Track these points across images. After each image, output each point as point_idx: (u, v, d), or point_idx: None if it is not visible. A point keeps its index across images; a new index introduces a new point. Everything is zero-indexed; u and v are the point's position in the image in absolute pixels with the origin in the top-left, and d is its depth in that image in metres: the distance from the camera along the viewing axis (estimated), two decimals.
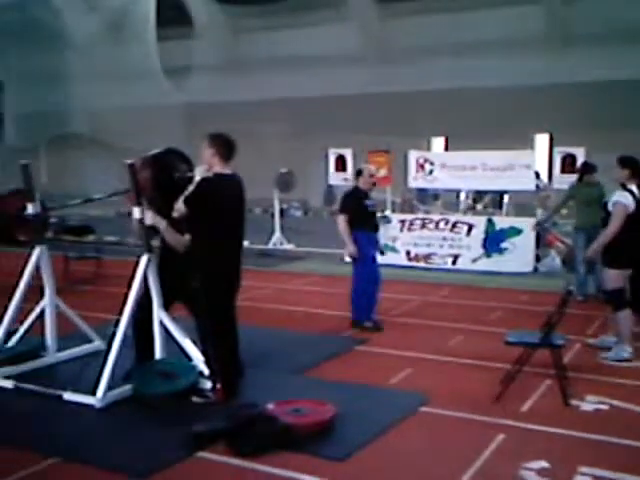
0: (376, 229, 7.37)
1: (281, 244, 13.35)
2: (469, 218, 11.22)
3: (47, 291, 5.75)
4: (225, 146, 4.95)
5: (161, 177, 4.92)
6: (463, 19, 16.80)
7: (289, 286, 9.83)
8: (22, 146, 15.41)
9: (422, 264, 10.99)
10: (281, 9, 17.01)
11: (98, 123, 16.02)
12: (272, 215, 13.66)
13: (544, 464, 3.96)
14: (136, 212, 5.03)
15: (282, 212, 14.25)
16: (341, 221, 7.05)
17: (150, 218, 4.99)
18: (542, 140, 17.83)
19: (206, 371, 4.98)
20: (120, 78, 15.44)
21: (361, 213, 7.10)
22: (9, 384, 5.21)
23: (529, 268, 10.24)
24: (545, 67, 16.43)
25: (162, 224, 5.01)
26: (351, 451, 4.10)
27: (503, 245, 10.42)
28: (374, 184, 7.38)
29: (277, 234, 13.46)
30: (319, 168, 19.01)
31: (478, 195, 13.08)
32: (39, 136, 15.45)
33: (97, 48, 15.46)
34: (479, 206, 13.06)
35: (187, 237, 5.11)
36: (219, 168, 4.91)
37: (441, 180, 11.47)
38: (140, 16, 15.25)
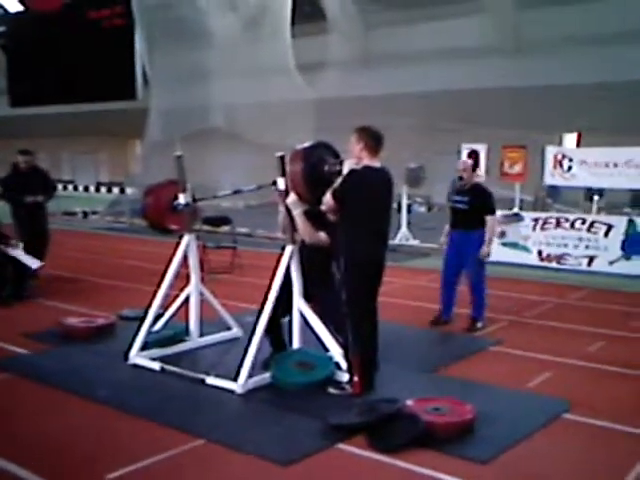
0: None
1: (407, 240, 13.28)
2: (608, 218, 10.68)
3: (193, 278, 5.97)
4: (373, 138, 4.94)
5: (312, 170, 4.95)
6: (603, 7, 15.89)
7: (416, 282, 9.74)
8: (163, 140, 16.13)
9: (554, 264, 10.61)
10: (413, 3, 16.82)
11: (233, 118, 16.49)
12: (398, 210, 13.57)
13: None
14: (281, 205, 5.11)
15: (408, 208, 14.14)
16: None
17: (290, 199, 5.03)
18: None
19: (343, 364, 5.01)
20: (256, 74, 15.82)
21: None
22: (156, 366, 5.45)
23: None
24: None
25: (297, 210, 5.04)
26: (494, 454, 3.99)
27: None
28: (459, 178, 7.12)
29: (403, 230, 13.39)
30: (446, 163, 18.63)
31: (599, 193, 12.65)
32: (179, 131, 16.05)
33: (236, 46, 15.93)
34: (599, 205, 12.58)
35: (322, 234, 5.13)
36: (367, 161, 4.91)
37: (580, 177, 11.00)
38: (277, 13, 15.57)
